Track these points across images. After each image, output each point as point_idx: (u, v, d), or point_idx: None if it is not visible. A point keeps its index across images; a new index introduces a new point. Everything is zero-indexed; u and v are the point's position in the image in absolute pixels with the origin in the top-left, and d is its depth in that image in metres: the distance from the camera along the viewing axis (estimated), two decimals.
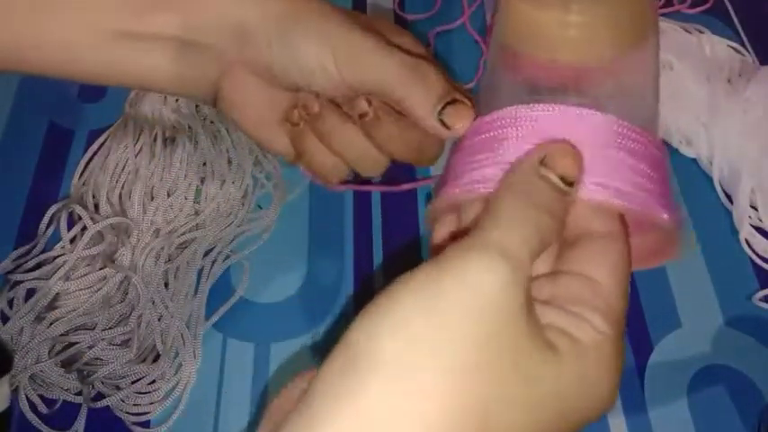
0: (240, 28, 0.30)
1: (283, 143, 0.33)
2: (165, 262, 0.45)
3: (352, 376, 0.19)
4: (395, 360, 0.19)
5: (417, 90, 0.28)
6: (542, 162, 0.23)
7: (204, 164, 0.48)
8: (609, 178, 0.23)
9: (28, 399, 0.40)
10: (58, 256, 0.45)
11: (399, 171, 0.49)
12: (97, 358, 0.41)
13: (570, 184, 0.23)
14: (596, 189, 0.23)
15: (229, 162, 0.49)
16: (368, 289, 0.46)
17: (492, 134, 0.25)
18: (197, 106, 0.51)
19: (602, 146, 0.24)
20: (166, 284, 0.44)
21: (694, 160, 0.52)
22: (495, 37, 0.29)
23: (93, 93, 0.54)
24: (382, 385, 0.18)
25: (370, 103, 0.30)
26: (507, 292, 0.20)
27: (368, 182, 0.49)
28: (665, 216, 0.24)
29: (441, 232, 0.27)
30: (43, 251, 0.46)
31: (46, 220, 0.47)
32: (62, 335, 0.42)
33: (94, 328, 0.42)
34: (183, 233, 0.46)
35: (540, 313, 0.21)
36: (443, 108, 0.28)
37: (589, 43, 0.27)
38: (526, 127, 0.24)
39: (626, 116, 0.25)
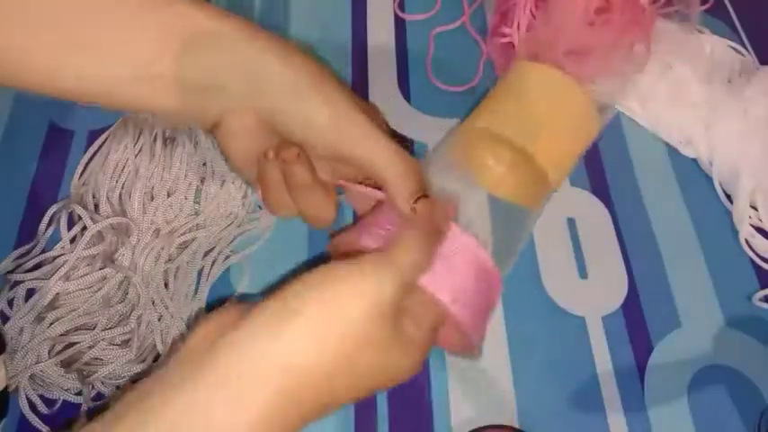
0: (256, 74, 0.33)
1: (252, 172, 0.37)
2: (165, 262, 0.45)
3: (284, 319, 0.28)
4: (315, 315, 0.28)
5: (404, 182, 0.35)
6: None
7: (204, 164, 0.48)
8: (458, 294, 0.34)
9: (28, 399, 0.40)
10: (58, 256, 0.45)
11: None
12: (97, 358, 0.41)
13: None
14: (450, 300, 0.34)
15: None
16: None
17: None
18: None
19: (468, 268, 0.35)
20: (166, 284, 0.44)
21: (694, 160, 0.52)
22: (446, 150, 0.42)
23: None
24: (304, 326, 0.28)
25: (298, 156, 0.35)
26: (395, 299, 0.30)
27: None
28: (476, 335, 0.35)
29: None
30: (43, 251, 0.46)
31: (46, 220, 0.47)
32: (62, 335, 0.42)
33: (94, 328, 0.42)
34: (183, 233, 0.46)
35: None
36: (417, 200, 0.35)
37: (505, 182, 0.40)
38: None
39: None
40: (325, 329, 0.28)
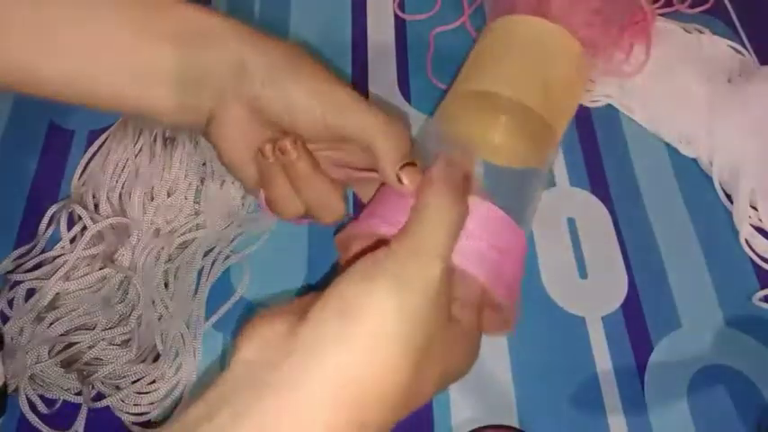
0: (239, 65, 0.34)
1: (250, 173, 0.37)
2: (165, 262, 0.45)
3: (348, 323, 0.27)
4: (377, 320, 0.27)
5: (390, 144, 0.34)
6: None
7: (204, 164, 0.48)
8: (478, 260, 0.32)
9: (28, 399, 0.40)
10: (58, 256, 0.45)
11: None
12: (97, 358, 0.41)
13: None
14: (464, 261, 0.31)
15: None
16: None
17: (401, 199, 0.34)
18: None
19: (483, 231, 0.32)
20: (166, 284, 0.44)
21: (694, 160, 0.52)
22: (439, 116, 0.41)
23: None
24: (368, 334, 0.27)
25: (295, 142, 0.34)
26: (443, 282, 0.29)
27: None
28: (503, 298, 0.32)
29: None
30: (43, 251, 0.46)
31: (46, 220, 0.47)
32: (62, 335, 0.42)
33: (94, 328, 0.42)
34: (183, 233, 0.46)
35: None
36: (402, 167, 0.34)
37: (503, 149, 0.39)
38: None
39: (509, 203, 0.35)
40: (388, 337, 0.27)
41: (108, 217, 0.45)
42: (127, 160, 0.47)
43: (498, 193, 0.36)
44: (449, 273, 0.29)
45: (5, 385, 0.40)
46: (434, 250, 0.29)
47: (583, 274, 0.47)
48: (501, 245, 0.33)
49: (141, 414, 0.41)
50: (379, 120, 0.34)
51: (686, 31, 0.56)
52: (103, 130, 0.50)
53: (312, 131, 0.35)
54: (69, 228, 0.45)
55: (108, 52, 0.33)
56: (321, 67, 0.35)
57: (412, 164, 0.34)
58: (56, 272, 0.43)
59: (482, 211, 0.33)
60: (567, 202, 0.49)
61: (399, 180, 0.34)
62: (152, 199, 0.46)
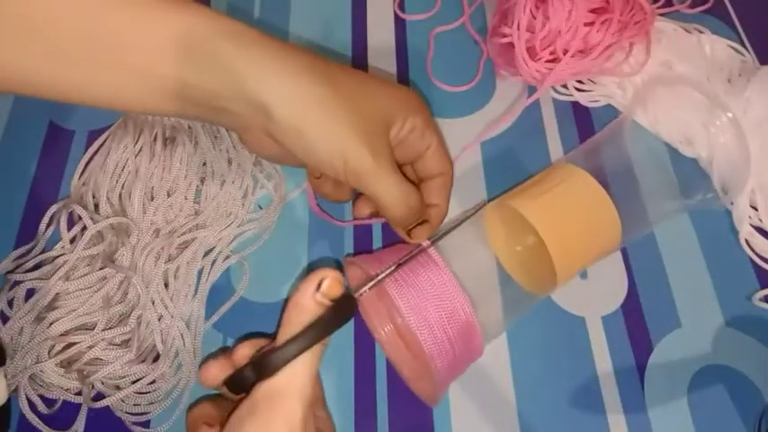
0: (258, 104, 0.33)
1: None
2: (165, 262, 0.45)
3: None
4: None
5: (403, 218, 0.38)
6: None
7: (204, 164, 0.48)
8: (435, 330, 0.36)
9: (28, 399, 0.40)
10: (58, 256, 0.45)
11: None
12: (97, 358, 0.41)
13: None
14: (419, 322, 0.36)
15: (229, 162, 0.49)
16: None
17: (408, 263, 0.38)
18: None
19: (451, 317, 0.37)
20: (166, 284, 0.44)
21: (694, 160, 0.52)
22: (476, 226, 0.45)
23: None
24: None
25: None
26: (306, 419, 0.30)
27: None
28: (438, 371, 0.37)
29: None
30: (43, 251, 0.46)
31: (46, 220, 0.47)
32: (62, 335, 0.42)
33: (94, 328, 0.42)
34: (183, 233, 0.46)
35: None
36: (413, 228, 0.39)
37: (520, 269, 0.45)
38: (433, 271, 0.38)
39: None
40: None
41: (108, 217, 0.45)
42: (127, 160, 0.47)
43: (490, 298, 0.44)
44: (310, 408, 0.30)
45: (9, 401, 0.40)
46: (296, 393, 0.30)
47: (583, 274, 0.47)
48: (464, 348, 0.37)
49: (141, 414, 0.41)
50: (394, 190, 0.37)
51: (686, 31, 0.56)
52: (103, 130, 0.50)
53: (331, 175, 0.36)
54: (69, 228, 0.45)
55: (113, 59, 0.32)
56: (349, 118, 0.34)
57: (421, 222, 0.39)
58: (56, 272, 0.43)
59: (464, 309, 0.37)
60: None
61: (409, 235, 0.39)
62: (152, 199, 0.46)
